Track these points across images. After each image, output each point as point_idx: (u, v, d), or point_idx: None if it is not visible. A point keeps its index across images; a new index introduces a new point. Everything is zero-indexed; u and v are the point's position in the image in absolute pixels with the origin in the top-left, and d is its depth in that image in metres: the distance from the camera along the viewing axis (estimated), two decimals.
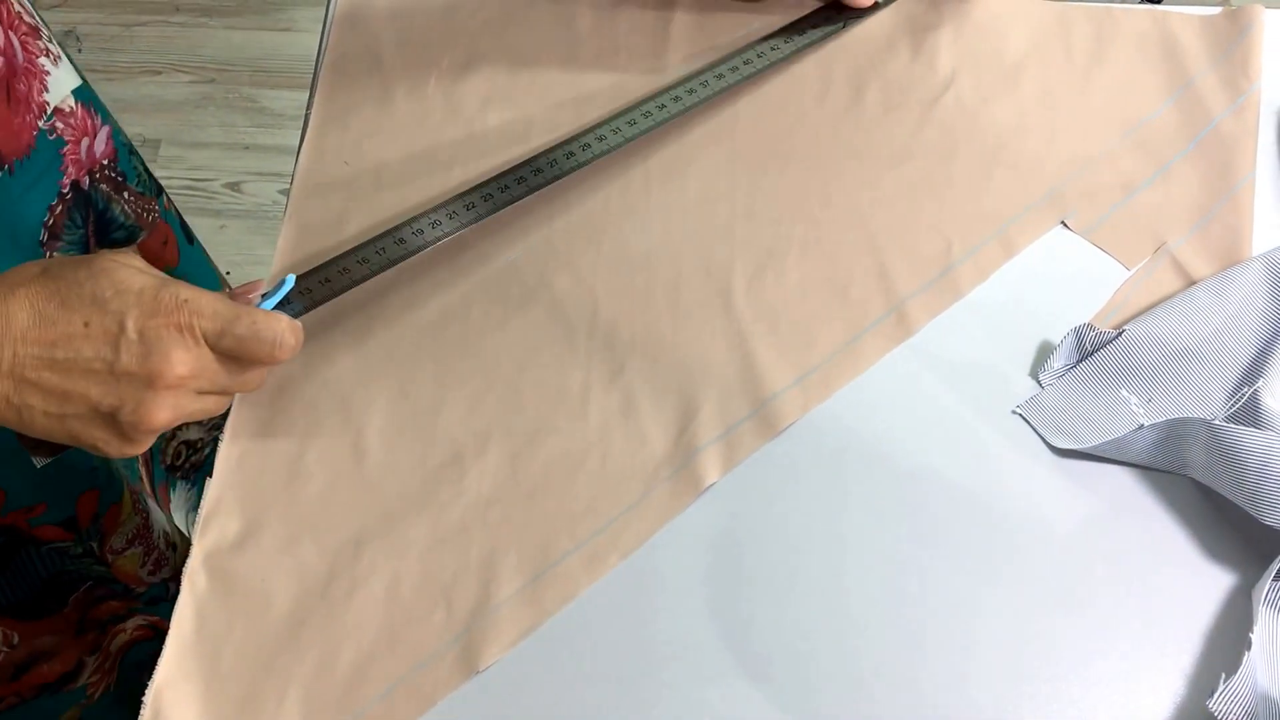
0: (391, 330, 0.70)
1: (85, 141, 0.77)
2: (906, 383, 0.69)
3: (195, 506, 0.97)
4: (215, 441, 1.00)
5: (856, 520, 0.65)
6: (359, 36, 0.82)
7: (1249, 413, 0.64)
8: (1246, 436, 0.60)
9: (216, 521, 0.64)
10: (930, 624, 0.62)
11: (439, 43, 0.82)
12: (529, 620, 0.61)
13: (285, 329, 0.60)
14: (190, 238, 0.97)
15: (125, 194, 0.83)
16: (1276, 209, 0.74)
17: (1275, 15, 0.81)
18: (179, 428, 0.98)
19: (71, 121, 0.75)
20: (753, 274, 0.72)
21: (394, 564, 0.63)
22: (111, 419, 0.56)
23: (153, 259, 0.88)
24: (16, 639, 0.82)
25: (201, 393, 0.59)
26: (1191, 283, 0.71)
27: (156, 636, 0.96)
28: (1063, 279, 0.72)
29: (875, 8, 0.82)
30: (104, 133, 0.80)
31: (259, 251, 1.85)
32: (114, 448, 0.58)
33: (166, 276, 0.58)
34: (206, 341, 0.57)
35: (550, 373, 0.69)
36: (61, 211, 0.76)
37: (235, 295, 0.62)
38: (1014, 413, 0.68)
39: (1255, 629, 0.59)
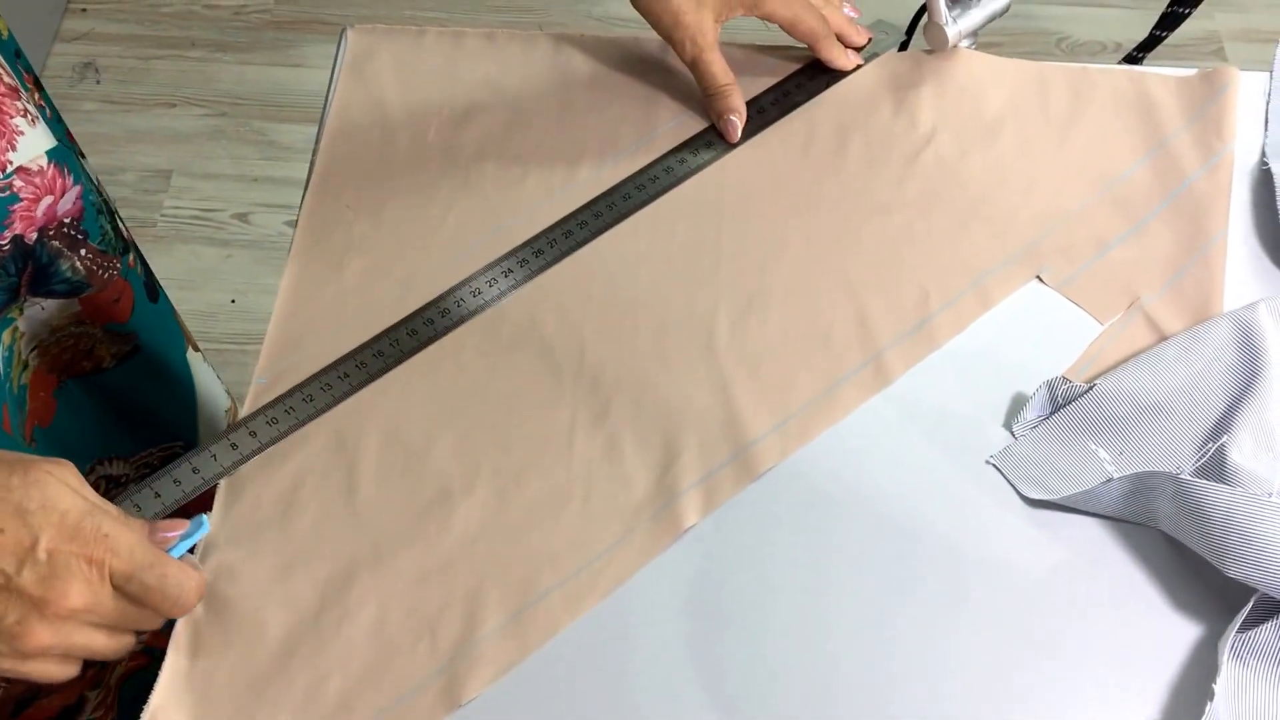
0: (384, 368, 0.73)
1: (46, 200, 0.79)
2: (883, 431, 0.71)
3: None
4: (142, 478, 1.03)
5: (830, 565, 0.67)
6: (364, 85, 0.85)
7: (1215, 467, 0.66)
8: (1211, 491, 0.62)
9: (214, 551, 0.67)
10: (900, 669, 0.64)
11: (439, 93, 0.84)
12: (510, 656, 0.63)
13: (192, 589, 0.60)
14: (154, 296, 0.99)
15: (82, 251, 0.85)
16: (1247, 267, 0.76)
17: (1249, 77, 0.83)
18: (103, 464, 1.00)
19: (37, 180, 0.77)
20: (735, 320, 0.74)
21: (382, 596, 0.65)
22: None
23: (97, 313, 0.90)
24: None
25: (93, 625, 0.58)
26: (1163, 338, 0.73)
27: (151, 663, 0.98)
28: (1037, 332, 0.74)
29: (857, 66, 0.85)
30: (73, 193, 0.82)
31: (264, 280, 1.88)
32: None
33: (97, 502, 0.58)
34: (113, 580, 0.57)
35: (537, 413, 0.71)
36: None
37: (155, 531, 0.61)
38: (987, 462, 0.70)
39: (1219, 680, 0.61)
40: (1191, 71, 0.84)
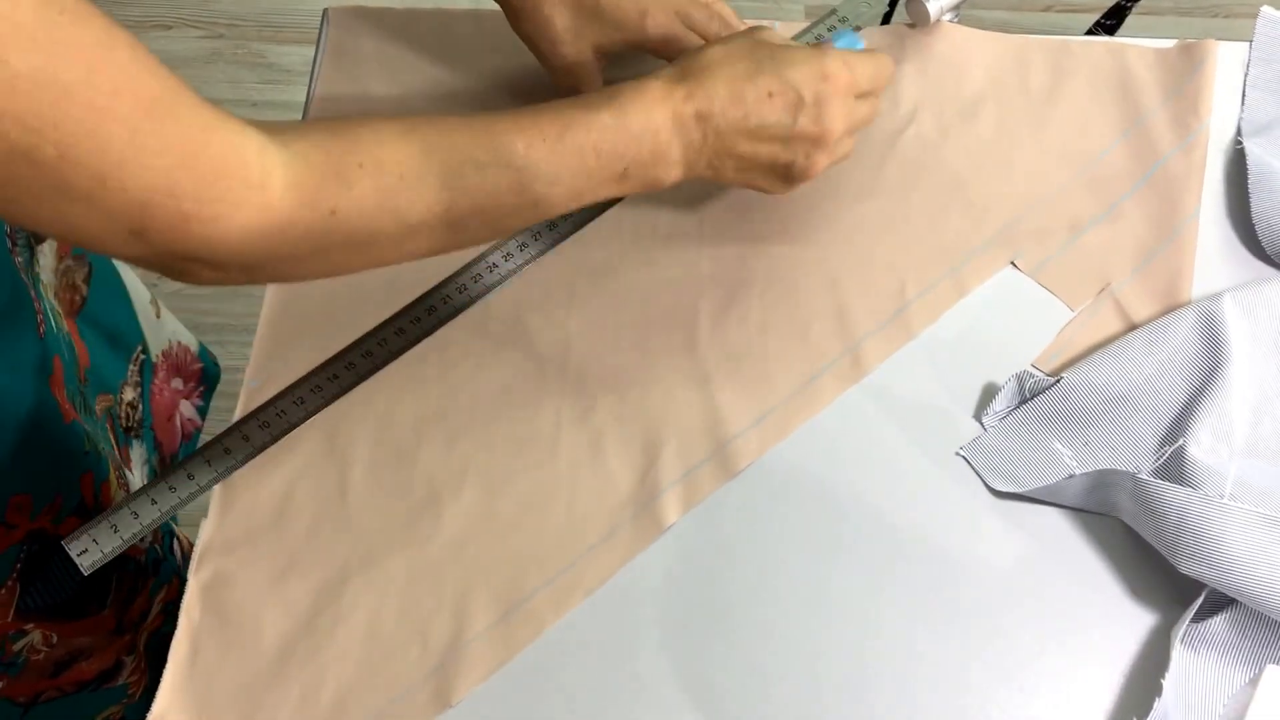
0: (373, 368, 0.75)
1: None
2: (857, 423, 0.73)
3: (148, 461, 1.01)
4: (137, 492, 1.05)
5: (807, 559, 0.69)
6: (347, 74, 0.85)
7: (1174, 466, 0.68)
8: (1167, 491, 0.65)
9: (211, 557, 0.70)
10: (873, 658, 0.67)
11: (424, 81, 0.85)
12: (499, 655, 0.67)
13: (889, 66, 0.72)
14: None
15: None
16: (1217, 249, 0.78)
17: (1228, 48, 0.83)
18: (123, 390, 1.03)
19: None
20: (717, 315, 0.76)
21: (374, 599, 0.68)
22: (785, 171, 0.69)
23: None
24: (55, 639, 0.87)
25: (848, 134, 0.70)
26: (1132, 326, 0.75)
27: (167, 620, 1.02)
28: (1009, 319, 0.76)
29: None
30: None
31: None
32: (778, 188, 0.71)
33: (819, 47, 0.69)
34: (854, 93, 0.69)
35: (524, 412, 0.73)
36: None
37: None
38: (957, 454, 0.72)
39: (1168, 674, 0.64)
40: (1171, 43, 0.84)
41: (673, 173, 0.66)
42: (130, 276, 1.09)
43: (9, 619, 0.82)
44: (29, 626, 0.84)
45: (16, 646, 0.85)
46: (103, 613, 0.91)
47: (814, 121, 0.67)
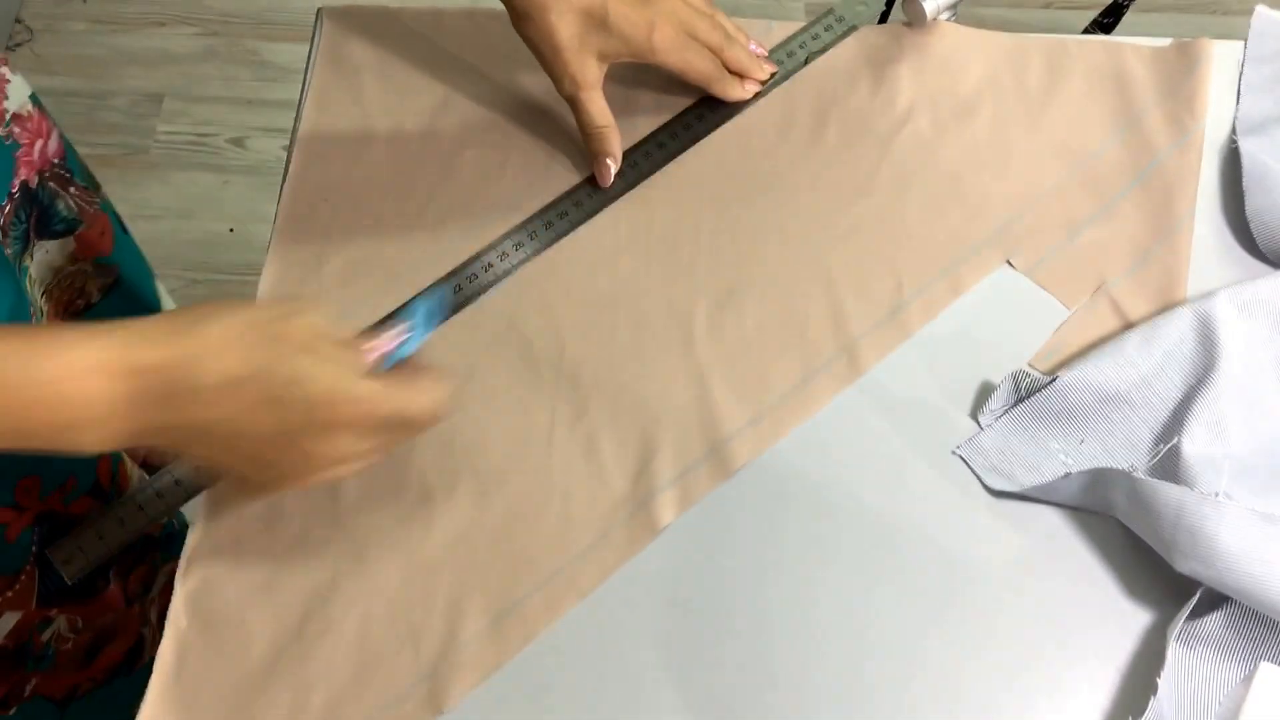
0: None
1: (39, 143, 0.82)
2: (853, 423, 0.73)
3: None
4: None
5: (803, 560, 0.69)
6: (341, 75, 0.85)
7: (1170, 465, 0.68)
8: (1163, 489, 0.65)
9: (199, 563, 0.69)
10: (869, 659, 0.67)
11: (418, 81, 0.84)
12: (492, 660, 0.66)
13: (427, 405, 0.61)
14: (124, 228, 1.02)
15: (71, 189, 0.87)
16: (1213, 249, 0.77)
17: (1225, 46, 0.83)
18: None
19: (29, 125, 0.80)
20: (713, 314, 0.76)
21: (365, 605, 0.68)
22: (240, 477, 0.62)
23: (88, 248, 0.93)
24: (80, 623, 0.87)
25: (353, 461, 0.61)
26: (1128, 324, 0.75)
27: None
28: (1005, 318, 0.76)
29: (757, 97, 0.83)
30: (55, 133, 0.85)
31: (263, 209, 1.88)
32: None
33: (338, 376, 0.58)
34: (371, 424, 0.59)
35: (517, 413, 0.73)
36: (9, 211, 0.80)
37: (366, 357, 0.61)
38: (954, 453, 0.72)
39: (1163, 673, 0.64)
40: (1167, 42, 0.84)
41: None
42: (172, 308, 1.10)
43: (33, 606, 0.81)
44: (53, 612, 0.84)
45: (44, 636, 0.85)
46: (110, 586, 0.91)
47: (287, 452, 0.58)
